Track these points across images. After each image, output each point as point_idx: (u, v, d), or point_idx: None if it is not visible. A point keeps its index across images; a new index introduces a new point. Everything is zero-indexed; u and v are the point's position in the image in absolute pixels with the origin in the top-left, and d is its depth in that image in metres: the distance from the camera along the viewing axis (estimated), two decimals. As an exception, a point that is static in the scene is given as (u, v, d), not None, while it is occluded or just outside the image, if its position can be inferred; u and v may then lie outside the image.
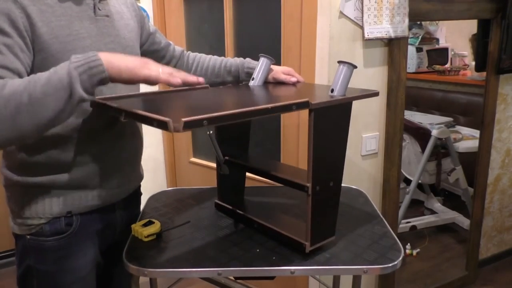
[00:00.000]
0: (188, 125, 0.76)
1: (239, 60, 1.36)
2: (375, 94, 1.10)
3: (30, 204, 1.03)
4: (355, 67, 1.04)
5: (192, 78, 0.94)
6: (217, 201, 1.30)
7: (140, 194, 1.30)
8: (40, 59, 0.93)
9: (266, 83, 1.29)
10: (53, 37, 0.93)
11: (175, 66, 1.33)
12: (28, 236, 1.04)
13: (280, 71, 1.30)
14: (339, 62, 1.05)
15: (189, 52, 1.40)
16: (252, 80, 1.28)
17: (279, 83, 1.29)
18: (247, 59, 1.36)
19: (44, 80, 0.83)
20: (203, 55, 1.39)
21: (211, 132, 1.09)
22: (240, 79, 1.36)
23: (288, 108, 0.93)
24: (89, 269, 1.11)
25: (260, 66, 1.28)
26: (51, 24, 0.93)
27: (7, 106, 0.80)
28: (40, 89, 0.82)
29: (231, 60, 1.36)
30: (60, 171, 1.02)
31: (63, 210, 1.04)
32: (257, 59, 1.34)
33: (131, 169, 1.18)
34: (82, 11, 1.00)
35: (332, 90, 1.03)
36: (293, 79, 1.28)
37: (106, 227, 1.14)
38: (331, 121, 0.99)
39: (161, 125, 0.78)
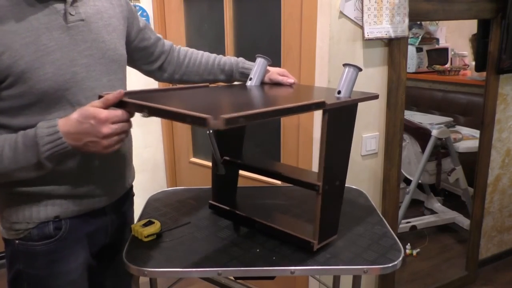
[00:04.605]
0: (229, 122, 0.74)
1: (233, 59, 1.33)
2: (375, 97, 1.12)
3: (17, 209, 1.01)
4: (361, 69, 1.06)
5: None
6: (212, 202, 1.27)
7: (133, 194, 1.28)
8: (8, 83, 0.90)
9: (262, 83, 1.29)
10: (18, 58, 0.88)
11: (164, 61, 1.30)
12: (17, 241, 1.02)
13: (275, 72, 1.29)
14: (345, 64, 1.06)
15: (179, 46, 1.35)
16: (250, 80, 1.27)
17: (275, 84, 1.29)
18: (241, 58, 1.34)
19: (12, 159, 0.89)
20: (195, 50, 1.35)
21: (210, 131, 1.09)
22: (233, 78, 1.34)
23: (308, 108, 0.94)
24: (80, 272, 1.09)
25: (257, 67, 1.27)
26: (14, 45, 0.88)
27: None
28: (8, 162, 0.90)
29: (224, 58, 1.33)
30: (47, 182, 1.00)
31: (51, 215, 1.02)
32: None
33: (121, 173, 1.16)
34: (51, 21, 0.93)
35: (339, 92, 1.05)
36: (290, 80, 1.27)
37: (97, 230, 1.12)
38: (340, 122, 1.01)
39: (198, 121, 0.75)
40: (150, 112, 0.86)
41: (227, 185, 1.30)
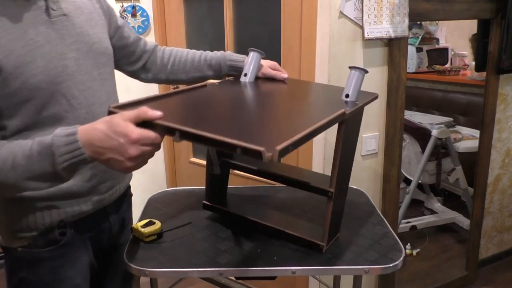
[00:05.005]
0: (282, 154, 0.72)
1: (219, 53, 1.29)
2: (375, 98, 1.13)
3: (19, 217, 0.98)
4: (367, 72, 1.06)
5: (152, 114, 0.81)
6: (206, 202, 1.24)
7: (131, 195, 1.27)
8: (0, 82, 0.87)
9: (257, 78, 1.24)
10: (7, 54, 0.86)
11: (147, 61, 1.28)
12: (20, 248, 0.99)
13: (267, 66, 1.26)
14: (351, 67, 1.06)
15: (164, 46, 1.33)
16: (245, 76, 1.22)
17: (269, 79, 1.25)
18: (228, 52, 1.30)
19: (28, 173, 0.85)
20: (180, 49, 1.32)
21: None
22: (221, 73, 1.29)
23: (335, 121, 0.93)
24: (84, 275, 1.08)
25: (250, 61, 1.22)
26: (2, 41, 0.86)
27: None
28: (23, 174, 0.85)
29: (211, 54, 1.29)
30: (48, 185, 0.95)
31: (55, 219, 1.00)
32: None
33: (119, 172, 1.14)
34: (34, 16, 0.92)
35: (347, 96, 1.06)
36: (284, 75, 1.25)
37: (100, 233, 1.12)
38: (351, 127, 1.02)
39: (251, 154, 0.71)
40: (192, 139, 0.78)
41: (222, 185, 1.29)
